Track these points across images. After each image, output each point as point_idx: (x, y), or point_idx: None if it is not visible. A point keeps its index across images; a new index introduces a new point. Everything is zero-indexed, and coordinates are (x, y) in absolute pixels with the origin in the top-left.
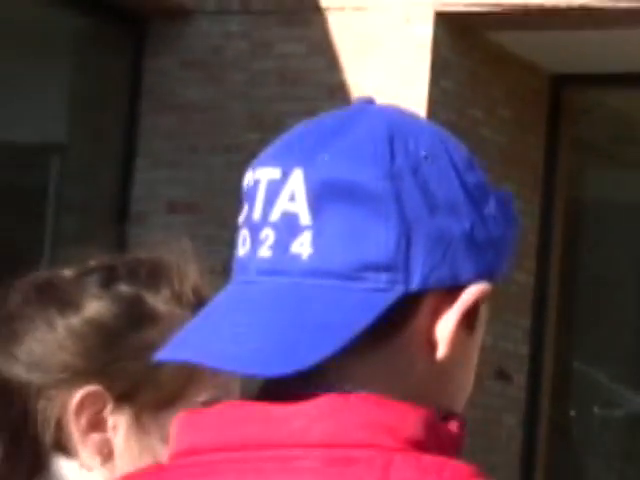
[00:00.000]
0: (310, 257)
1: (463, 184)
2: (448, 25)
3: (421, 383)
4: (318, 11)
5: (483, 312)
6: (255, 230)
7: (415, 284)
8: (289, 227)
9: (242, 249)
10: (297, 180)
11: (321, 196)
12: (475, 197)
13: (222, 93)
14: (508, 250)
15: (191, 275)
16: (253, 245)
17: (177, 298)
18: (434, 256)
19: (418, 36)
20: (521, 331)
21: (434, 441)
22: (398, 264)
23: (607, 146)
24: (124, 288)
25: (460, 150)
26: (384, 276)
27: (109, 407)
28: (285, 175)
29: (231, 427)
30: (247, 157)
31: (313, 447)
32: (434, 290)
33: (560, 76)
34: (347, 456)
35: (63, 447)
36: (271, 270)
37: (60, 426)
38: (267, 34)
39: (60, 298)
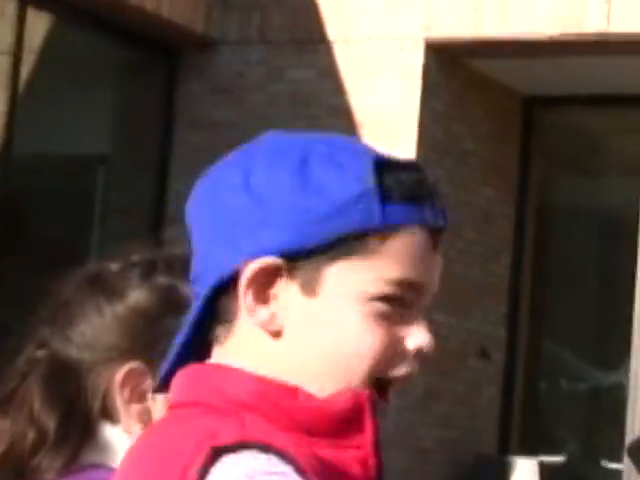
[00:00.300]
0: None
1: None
2: (436, 54)
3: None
4: (325, 42)
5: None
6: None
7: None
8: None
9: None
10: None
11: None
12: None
13: (243, 114)
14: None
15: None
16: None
17: None
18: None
19: (410, 63)
20: (498, 316)
21: (262, 408)
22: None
23: (572, 157)
24: (161, 279)
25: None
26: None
27: (148, 381)
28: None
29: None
30: None
31: (188, 405)
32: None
33: (532, 97)
34: (187, 412)
35: (109, 415)
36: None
37: (106, 397)
38: (281, 61)
39: (107, 288)
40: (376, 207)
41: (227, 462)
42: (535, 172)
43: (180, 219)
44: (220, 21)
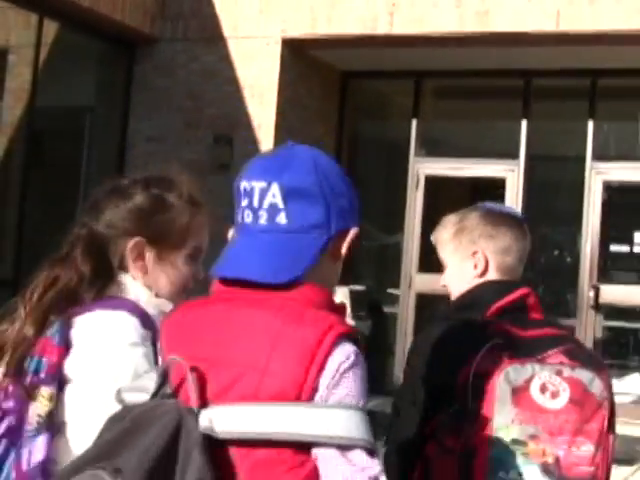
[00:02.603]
0: (285, 224)
1: (343, 182)
2: (288, 46)
3: (327, 276)
4: (223, 38)
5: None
6: (255, 211)
7: (332, 232)
8: (273, 210)
9: (247, 220)
10: (275, 188)
11: (287, 194)
12: (346, 189)
13: (174, 82)
14: (355, 214)
15: (187, 184)
16: (255, 219)
17: (180, 196)
18: (338, 218)
19: (273, 52)
20: None
21: (329, 306)
22: (325, 224)
23: (369, 109)
24: (154, 190)
25: (337, 168)
26: (319, 230)
27: (146, 247)
28: (269, 185)
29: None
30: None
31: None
32: (338, 232)
33: (347, 72)
34: (284, 303)
35: (124, 268)
36: (267, 230)
37: (122, 257)
38: (196, 51)
39: (122, 193)
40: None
41: (344, 343)
42: (347, 118)
43: (135, 144)
44: (159, 26)
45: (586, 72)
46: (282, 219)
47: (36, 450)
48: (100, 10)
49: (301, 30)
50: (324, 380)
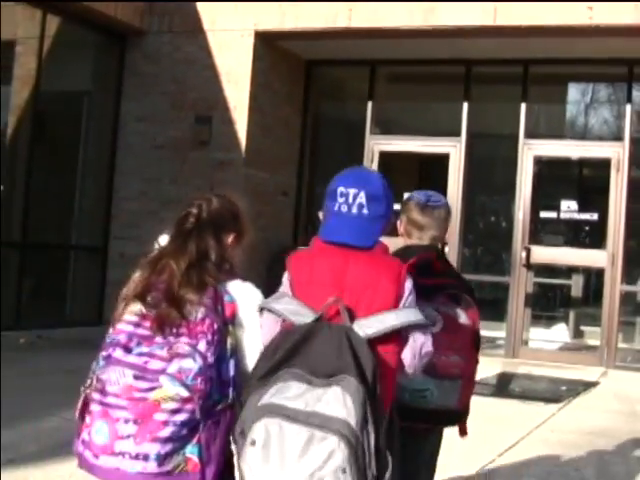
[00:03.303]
0: (367, 214)
1: (391, 195)
2: (261, 38)
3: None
4: (203, 31)
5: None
6: (350, 206)
7: (388, 220)
8: (361, 206)
9: (343, 209)
10: (362, 193)
11: (369, 198)
12: (392, 198)
13: (160, 69)
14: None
15: (241, 203)
16: (349, 210)
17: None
18: (391, 214)
19: (247, 44)
20: (293, 173)
21: (390, 255)
22: (386, 216)
23: (330, 91)
24: (225, 200)
25: (389, 187)
26: (384, 219)
27: (236, 240)
28: (358, 191)
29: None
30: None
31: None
32: (389, 221)
33: (311, 60)
34: (373, 254)
35: (229, 256)
36: (357, 217)
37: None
38: (179, 42)
39: (206, 200)
40: None
41: (408, 274)
42: (311, 101)
43: (126, 124)
44: (148, 20)
45: (519, 61)
46: (365, 211)
47: (230, 367)
48: (96, 7)
49: (271, 24)
50: (406, 293)
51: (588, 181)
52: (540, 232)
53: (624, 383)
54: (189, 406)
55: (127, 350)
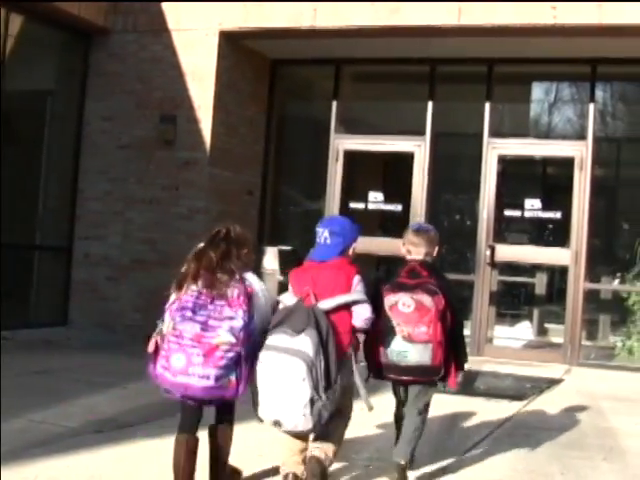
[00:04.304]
0: (331, 242)
1: (350, 227)
2: (225, 37)
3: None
4: (168, 30)
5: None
6: (323, 238)
7: (345, 244)
8: (326, 239)
9: (320, 240)
10: (326, 231)
11: (330, 233)
12: (349, 229)
13: (125, 68)
14: (354, 237)
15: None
16: (324, 240)
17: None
18: (347, 240)
19: (212, 42)
20: (258, 172)
21: (351, 262)
22: (343, 242)
23: (295, 91)
24: (244, 231)
25: (349, 223)
26: (342, 243)
27: (251, 253)
28: (324, 229)
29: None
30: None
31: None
32: (347, 244)
33: (276, 59)
34: (337, 264)
35: (248, 262)
36: (323, 245)
37: (240, 255)
38: (145, 41)
39: (231, 225)
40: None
41: (357, 274)
42: (276, 100)
43: (91, 123)
44: (112, 19)
45: (483, 60)
46: (329, 240)
47: (253, 323)
48: (59, 6)
49: (236, 23)
50: (354, 284)
51: (552, 180)
52: (504, 230)
53: (587, 380)
54: (236, 348)
55: (194, 312)
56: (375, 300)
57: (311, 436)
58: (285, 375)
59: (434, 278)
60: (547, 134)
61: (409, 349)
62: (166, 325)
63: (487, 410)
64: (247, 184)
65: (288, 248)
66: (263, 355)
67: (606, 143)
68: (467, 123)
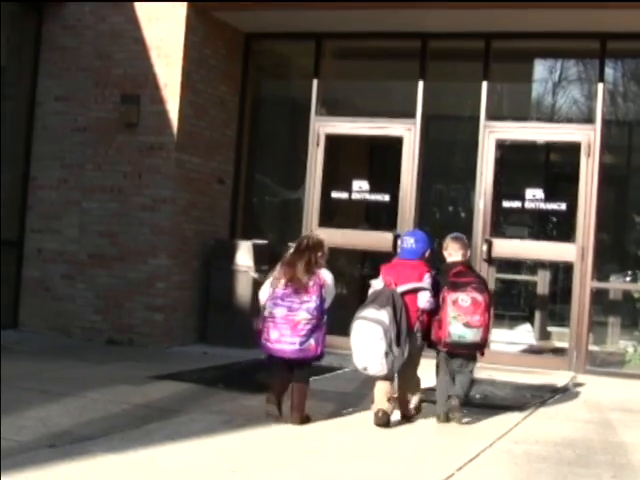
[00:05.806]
0: (415, 248)
1: (427, 238)
2: (194, 9)
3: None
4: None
5: None
6: (407, 243)
7: (426, 248)
8: (412, 244)
9: (405, 245)
10: (412, 239)
11: (416, 241)
12: (427, 239)
13: (82, 42)
14: (430, 245)
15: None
16: (407, 244)
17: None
18: (426, 247)
19: (180, 14)
20: (230, 159)
21: (427, 264)
22: (424, 247)
23: (270, 68)
24: (319, 238)
25: (425, 236)
26: (423, 248)
27: (323, 254)
28: (410, 237)
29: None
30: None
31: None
32: (427, 249)
33: (250, 34)
34: (416, 263)
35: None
36: (410, 248)
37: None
38: (104, 12)
39: (310, 234)
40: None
41: (429, 272)
42: (251, 78)
43: (44, 102)
44: None
45: (480, 35)
46: (414, 246)
47: (324, 305)
48: None
49: None
50: (424, 277)
51: (556, 167)
52: (503, 223)
53: (595, 389)
54: (313, 321)
55: (282, 300)
56: (436, 293)
57: (396, 384)
58: (369, 336)
59: (476, 277)
60: (551, 117)
61: (467, 332)
62: (266, 311)
63: (483, 422)
64: (218, 171)
65: (263, 242)
66: (357, 323)
67: (616, 127)
68: (462, 105)
